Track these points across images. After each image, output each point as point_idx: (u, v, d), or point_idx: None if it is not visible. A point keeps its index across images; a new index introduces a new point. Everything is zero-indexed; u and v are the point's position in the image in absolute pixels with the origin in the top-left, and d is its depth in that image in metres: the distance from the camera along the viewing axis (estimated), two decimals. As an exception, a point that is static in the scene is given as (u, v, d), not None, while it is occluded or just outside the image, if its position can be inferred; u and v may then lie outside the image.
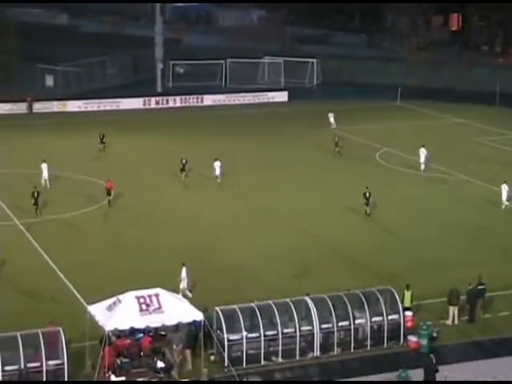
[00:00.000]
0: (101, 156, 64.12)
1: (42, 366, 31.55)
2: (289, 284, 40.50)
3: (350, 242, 47.18)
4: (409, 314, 36.52)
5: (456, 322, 37.32)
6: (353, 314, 34.94)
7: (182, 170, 57.49)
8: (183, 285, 39.02)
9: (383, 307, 35.31)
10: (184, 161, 57.65)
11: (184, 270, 39.00)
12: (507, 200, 52.53)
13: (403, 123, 78.11)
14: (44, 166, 56.20)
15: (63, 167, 59.50)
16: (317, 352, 34.46)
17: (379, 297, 35.45)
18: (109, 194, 52.71)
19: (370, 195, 51.56)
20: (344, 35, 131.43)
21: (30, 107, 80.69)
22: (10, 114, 79.27)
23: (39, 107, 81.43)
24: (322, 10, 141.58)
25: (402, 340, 35.49)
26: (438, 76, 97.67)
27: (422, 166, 60.49)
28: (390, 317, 35.36)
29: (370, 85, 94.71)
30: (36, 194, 50.19)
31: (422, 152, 60.78)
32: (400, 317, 35.53)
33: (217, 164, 57.07)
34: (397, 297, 35.72)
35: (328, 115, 74.74)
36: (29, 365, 31.43)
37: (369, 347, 35.10)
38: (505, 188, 52.57)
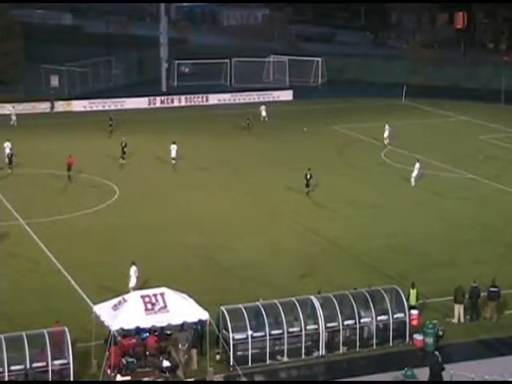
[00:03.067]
0: (105, 156, 64.16)
1: (47, 365, 31.56)
2: (296, 283, 40.48)
3: (357, 240, 47.11)
4: (414, 312, 36.45)
5: (462, 320, 37.24)
6: (358, 312, 34.88)
7: (123, 153, 61.22)
8: (131, 284, 38.35)
9: (389, 306, 35.25)
10: (123, 144, 61.34)
11: (133, 269, 38.69)
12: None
13: (407, 121, 78.01)
14: (7, 145, 60.45)
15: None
16: (322, 351, 34.42)
17: (385, 295, 35.39)
18: (69, 169, 56.91)
19: (310, 177, 54.27)
20: (349, 33, 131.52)
21: (52, 106, 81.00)
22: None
23: (43, 107, 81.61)
24: (326, 9, 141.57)
25: (407, 339, 35.42)
26: (443, 74, 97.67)
27: (386, 141, 66.94)
28: (395, 315, 35.29)
29: (375, 83, 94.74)
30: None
31: (387, 128, 67.13)
32: (406, 315, 35.47)
33: (173, 147, 60.46)
34: (402, 295, 35.66)
35: (260, 108, 76.90)
36: (34, 365, 31.46)
37: (374, 346, 35.04)
38: (417, 167, 56.79)
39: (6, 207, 52.02)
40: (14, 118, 75.06)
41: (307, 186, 54.38)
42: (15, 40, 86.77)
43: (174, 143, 60.91)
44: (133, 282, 38.65)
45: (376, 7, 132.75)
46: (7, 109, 77.09)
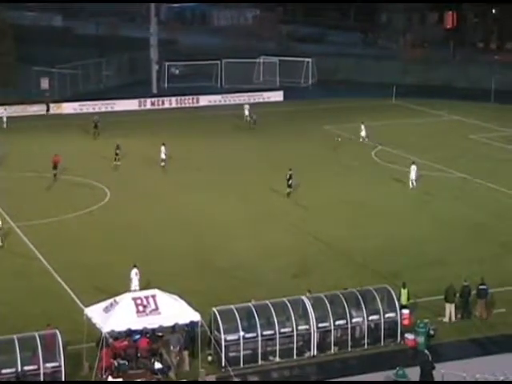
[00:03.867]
0: (96, 158, 64.13)
1: (39, 368, 31.52)
2: (289, 283, 40.49)
3: (349, 240, 47.15)
4: (406, 311, 36.55)
5: (453, 319, 37.34)
6: (350, 312, 34.93)
7: (116, 155, 61.58)
8: (133, 286, 38.13)
9: (380, 305, 35.30)
10: (117, 146, 61.88)
11: (133, 271, 38.60)
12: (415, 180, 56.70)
13: (399, 121, 78.14)
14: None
15: (60, 169, 59.49)
16: (314, 351, 34.46)
17: (376, 295, 35.44)
18: (55, 167, 57.68)
19: (290, 177, 53.97)
20: (339, 33, 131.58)
21: (48, 109, 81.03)
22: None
23: (35, 109, 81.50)
24: (317, 9, 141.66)
25: (399, 338, 35.48)
26: (434, 73, 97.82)
27: (365, 140, 68.40)
28: (386, 315, 35.34)
29: (365, 83, 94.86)
30: None
31: (362, 128, 68.75)
32: (397, 315, 35.53)
33: (162, 149, 61.21)
34: (394, 295, 35.73)
35: (244, 106, 77.71)
36: (26, 368, 31.41)
37: (366, 346, 35.09)
38: (413, 169, 56.62)
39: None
40: (5, 120, 74.96)
41: (289, 186, 54.16)
42: (6, 42, 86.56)
43: (163, 145, 61.45)
44: (134, 284, 38.48)
45: (366, 7, 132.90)
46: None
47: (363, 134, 68.92)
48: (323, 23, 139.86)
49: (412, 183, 56.56)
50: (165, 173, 60.24)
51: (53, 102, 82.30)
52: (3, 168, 60.92)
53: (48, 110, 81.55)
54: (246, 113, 76.77)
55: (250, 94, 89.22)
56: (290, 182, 54.11)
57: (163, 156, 61.24)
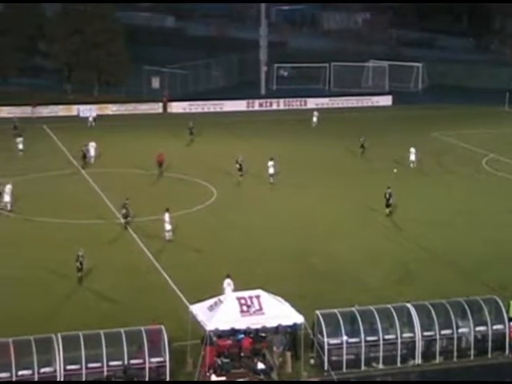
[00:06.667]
0: (200, 157, 64.84)
1: (144, 362, 32.11)
2: (391, 289, 40.12)
3: (456, 248, 46.32)
4: (514, 324, 35.69)
5: None
6: (456, 322, 34.32)
7: (239, 169, 58.14)
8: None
9: (487, 316, 34.57)
10: (240, 160, 58.26)
11: (226, 281, 38.38)
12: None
13: (511, 129, 76.32)
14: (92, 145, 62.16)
15: (169, 168, 60.47)
16: (418, 360, 34.00)
17: (483, 306, 34.73)
18: (160, 165, 58.52)
19: (390, 196, 50.97)
20: (450, 38, 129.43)
21: (165, 107, 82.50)
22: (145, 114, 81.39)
23: (144, 108, 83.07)
24: (428, 13, 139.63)
25: (507, 351, 34.66)
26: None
27: (414, 165, 62.35)
28: (494, 326, 34.59)
29: (477, 89, 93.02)
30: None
31: (412, 152, 62.61)
32: (505, 327, 34.71)
33: (270, 163, 57.66)
34: (502, 306, 34.91)
35: (313, 113, 76.43)
36: (132, 361, 32.04)
37: (472, 357, 34.41)
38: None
39: (108, 206, 53.10)
40: (90, 119, 75.99)
41: (387, 206, 51.11)
42: (118, 42, 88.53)
43: (271, 160, 57.86)
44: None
45: (479, 11, 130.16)
46: (87, 110, 78.25)
47: (412, 158, 62.28)
48: (434, 27, 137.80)
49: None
50: (271, 189, 58.00)
51: (169, 101, 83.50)
52: (109, 165, 62.13)
53: (165, 109, 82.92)
54: (315, 119, 75.98)
55: (358, 97, 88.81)
56: (390, 201, 51.03)
57: (272, 171, 57.61)
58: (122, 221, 48.72)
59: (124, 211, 48.37)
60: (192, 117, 78.16)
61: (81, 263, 40.80)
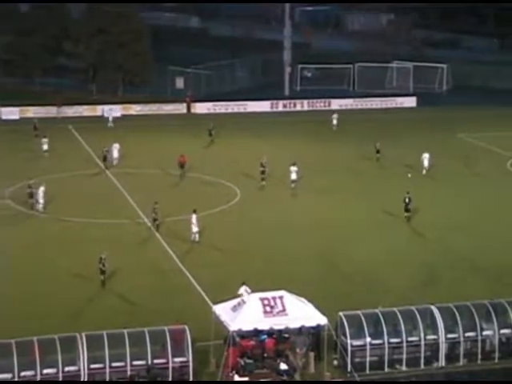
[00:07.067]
0: (224, 158, 64.92)
1: (168, 362, 32.21)
2: (415, 291, 39.97)
3: (479, 250, 46.12)
4: (539, 327, 35.43)
5: None
6: (480, 324, 34.16)
7: (262, 173, 57.53)
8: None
9: (512, 319, 34.43)
10: (264, 163, 57.59)
11: (242, 288, 38.00)
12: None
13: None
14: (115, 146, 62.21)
15: (192, 168, 60.60)
16: (442, 362, 33.87)
17: (508, 308, 34.54)
18: (182, 167, 58.86)
19: (410, 200, 50.33)
20: (475, 39, 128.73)
21: (189, 107, 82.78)
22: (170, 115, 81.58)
23: (168, 108, 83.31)
24: (453, 13, 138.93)
25: (532, 354, 34.51)
26: None
27: (424, 171, 60.55)
28: (519, 329, 34.43)
29: (503, 90, 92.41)
30: None
31: (425, 157, 60.82)
32: (530, 330, 34.53)
33: (293, 169, 56.43)
34: (527, 309, 34.73)
35: (332, 116, 75.31)
36: (155, 361, 32.15)
37: (496, 359, 34.24)
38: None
39: (133, 207, 53.30)
40: (110, 119, 76.12)
41: (406, 210, 50.53)
42: (143, 42, 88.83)
43: (294, 165, 56.60)
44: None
45: (505, 12, 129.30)
46: (108, 110, 78.55)
47: (426, 163, 60.61)
48: (458, 28, 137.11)
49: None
50: (293, 195, 57.23)
51: (193, 102, 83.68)
52: (133, 165, 62.27)
53: (189, 109, 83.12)
54: (334, 122, 75.44)
55: (382, 98, 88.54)
56: (410, 205, 50.40)
57: (294, 177, 56.42)
58: (151, 224, 48.88)
59: (153, 215, 48.58)
60: (215, 117, 78.36)
61: (103, 265, 40.91)
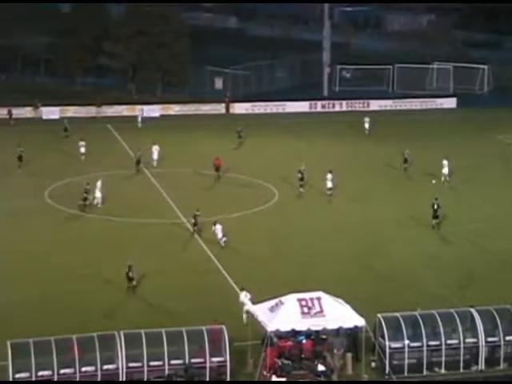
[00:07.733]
0: (261, 158, 64.88)
1: (205, 362, 32.26)
2: (453, 293, 39.69)
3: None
4: None
5: None
6: (521, 328, 33.84)
7: (301, 179, 56.11)
8: (247, 307, 36.82)
9: (553, 323, 33.99)
10: (302, 171, 56.11)
11: (242, 294, 37.69)
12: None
13: None
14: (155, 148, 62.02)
15: (231, 169, 60.65)
16: (482, 365, 33.53)
17: (549, 312, 34.14)
18: (217, 170, 58.61)
19: (438, 207, 49.27)
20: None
21: (227, 108, 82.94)
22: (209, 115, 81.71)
23: (207, 108, 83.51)
24: (494, 14, 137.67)
25: None
26: None
27: (442, 178, 58.59)
28: (561, 333, 33.98)
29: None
30: None
31: (445, 164, 58.74)
32: None
33: (329, 177, 55.43)
34: None
35: (364, 119, 74.08)
36: (193, 360, 32.21)
37: (538, 364, 33.88)
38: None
39: (171, 206, 53.49)
40: (139, 119, 76.06)
41: (435, 217, 49.37)
42: (182, 42, 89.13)
43: (330, 172, 55.55)
44: (249, 306, 37.70)
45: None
46: (137, 110, 78.57)
47: (445, 171, 58.60)
48: (500, 29, 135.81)
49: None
50: (329, 202, 56.17)
51: (231, 102, 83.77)
52: (172, 166, 62.45)
53: (228, 109, 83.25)
54: (366, 126, 74.43)
55: (422, 99, 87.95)
56: (438, 212, 49.22)
57: (330, 185, 55.30)
58: (191, 229, 48.82)
59: (193, 221, 48.58)
60: (254, 118, 78.36)
61: (130, 272, 40.30)
